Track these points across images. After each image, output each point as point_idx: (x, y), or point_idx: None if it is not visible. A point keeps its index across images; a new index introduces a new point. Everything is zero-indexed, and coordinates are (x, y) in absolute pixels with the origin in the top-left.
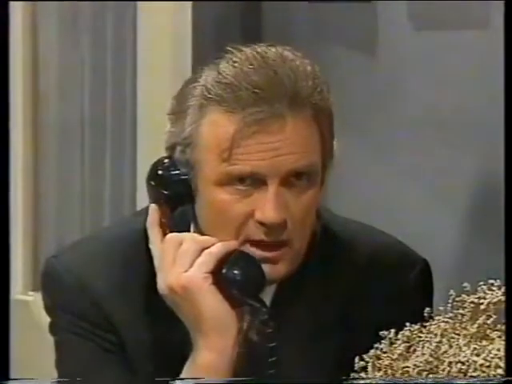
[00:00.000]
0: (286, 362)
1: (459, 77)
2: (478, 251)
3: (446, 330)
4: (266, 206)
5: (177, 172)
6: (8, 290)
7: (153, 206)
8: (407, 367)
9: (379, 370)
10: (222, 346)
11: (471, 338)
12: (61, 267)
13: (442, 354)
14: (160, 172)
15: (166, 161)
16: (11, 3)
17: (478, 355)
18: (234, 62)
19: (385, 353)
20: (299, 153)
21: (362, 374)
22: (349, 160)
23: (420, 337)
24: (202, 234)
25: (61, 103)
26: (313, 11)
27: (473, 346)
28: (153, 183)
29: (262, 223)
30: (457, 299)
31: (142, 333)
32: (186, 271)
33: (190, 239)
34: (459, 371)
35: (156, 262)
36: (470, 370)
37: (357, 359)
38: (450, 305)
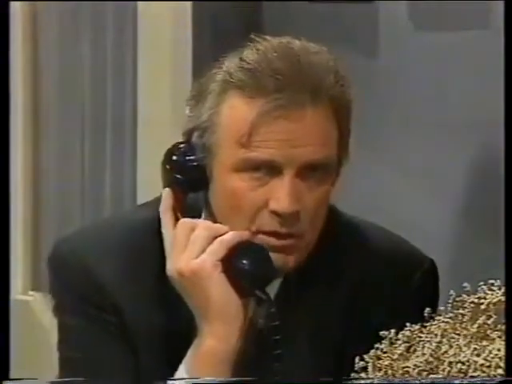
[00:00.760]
0: (287, 356)
1: (459, 77)
2: (479, 251)
3: (446, 330)
4: (281, 195)
5: (192, 157)
6: (8, 290)
7: (167, 191)
8: (407, 367)
9: (379, 370)
10: (226, 333)
11: (471, 338)
12: (67, 249)
13: (443, 354)
14: (175, 157)
15: (181, 146)
16: (11, 3)
17: (478, 355)
18: (258, 49)
19: (385, 353)
20: (317, 145)
21: (363, 375)
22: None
23: (420, 337)
24: (214, 220)
25: (61, 103)
26: (313, 11)
27: (473, 346)
28: (168, 167)
29: (275, 213)
30: (457, 299)
31: (146, 318)
32: (197, 257)
33: (202, 226)
34: (459, 371)
35: (167, 247)
36: (471, 370)
37: (357, 359)
38: (450, 305)
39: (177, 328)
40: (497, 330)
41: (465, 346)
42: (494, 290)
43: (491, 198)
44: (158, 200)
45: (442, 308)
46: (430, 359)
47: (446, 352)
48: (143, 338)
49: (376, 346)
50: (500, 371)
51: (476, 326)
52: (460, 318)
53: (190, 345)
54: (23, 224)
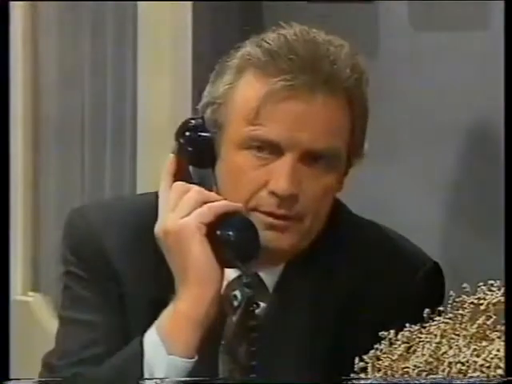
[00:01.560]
0: (284, 348)
1: (459, 77)
2: (478, 252)
3: (445, 330)
4: (281, 176)
5: (204, 133)
6: (8, 291)
7: (172, 156)
8: (407, 368)
9: (379, 370)
10: (200, 296)
11: (471, 338)
12: (78, 215)
13: (442, 354)
14: (188, 133)
15: (194, 121)
16: (11, 3)
17: (477, 356)
18: (280, 32)
19: (384, 353)
20: (324, 133)
21: (362, 375)
22: None
23: (420, 337)
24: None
25: (61, 102)
26: (312, 11)
27: (473, 347)
28: (181, 141)
29: (274, 193)
30: (456, 300)
31: (144, 291)
32: (183, 218)
33: (195, 190)
34: (459, 372)
35: (160, 209)
36: (470, 371)
37: (356, 360)
38: (449, 305)
39: (170, 300)
40: (496, 331)
41: (464, 346)
42: (493, 291)
43: (492, 199)
44: None
45: (441, 308)
46: (430, 360)
47: (445, 352)
48: (137, 310)
49: (375, 346)
50: (500, 371)
51: (475, 326)
52: (459, 319)
53: None
54: (23, 225)
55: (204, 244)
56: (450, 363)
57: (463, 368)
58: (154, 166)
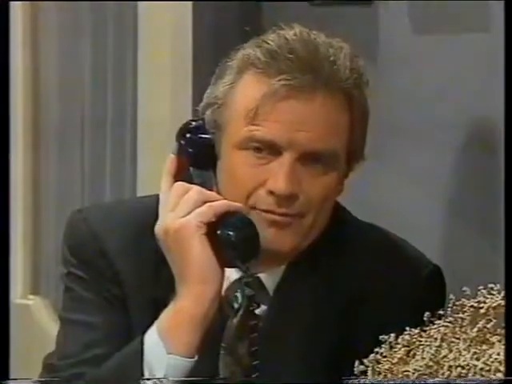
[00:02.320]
0: (284, 350)
1: (459, 80)
2: (479, 255)
3: (445, 334)
4: (279, 176)
5: (204, 135)
6: (8, 294)
7: (172, 157)
8: (407, 371)
9: (379, 374)
10: (200, 295)
11: (471, 342)
12: (78, 216)
13: (442, 358)
14: (188, 134)
15: (195, 122)
16: (12, 5)
17: (477, 359)
18: (280, 32)
19: (384, 357)
20: (322, 134)
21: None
22: None
23: (420, 341)
24: None
25: (61, 104)
26: (312, 13)
27: (473, 350)
28: (182, 142)
29: (272, 193)
30: (457, 303)
31: (145, 292)
32: (183, 217)
33: (195, 189)
34: (459, 375)
35: (160, 208)
36: (470, 375)
37: (356, 363)
38: (449, 309)
39: (171, 300)
40: (496, 334)
41: (464, 350)
42: (493, 294)
43: (492, 203)
44: None
45: (441, 312)
46: (430, 363)
47: (445, 356)
48: (138, 311)
49: (375, 350)
50: (500, 375)
51: (476, 330)
52: (460, 322)
53: None
54: (23, 228)
55: (204, 243)
56: (450, 367)
57: (463, 372)
58: (155, 167)
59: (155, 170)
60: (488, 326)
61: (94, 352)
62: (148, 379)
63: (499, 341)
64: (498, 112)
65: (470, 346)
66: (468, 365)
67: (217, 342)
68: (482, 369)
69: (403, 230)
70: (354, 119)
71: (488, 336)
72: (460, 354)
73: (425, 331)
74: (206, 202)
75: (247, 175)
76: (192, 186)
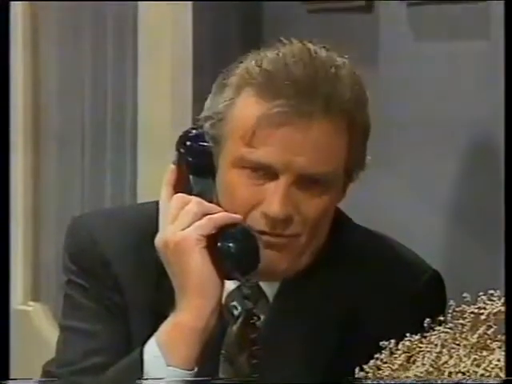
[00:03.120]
0: (283, 358)
1: (459, 87)
2: (479, 261)
3: (446, 340)
4: (273, 199)
5: (204, 143)
6: (8, 300)
7: (172, 167)
8: (408, 378)
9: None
10: (200, 308)
11: (471, 348)
12: (79, 223)
13: (443, 364)
14: (188, 142)
15: (194, 132)
16: (12, 6)
17: (478, 366)
18: (280, 51)
19: (385, 363)
20: (319, 159)
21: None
22: None
23: (420, 347)
24: None
25: (61, 107)
26: (313, 21)
27: (473, 357)
28: (181, 150)
29: (266, 215)
30: (457, 309)
31: (145, 300)
32: (183, 230)
33: (195, 201)
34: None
35: (160, 219)
36: (470, 381)
37: (357, 370)
38: (450, 315)
39: (172, 311)
40: (497, 341)
41: (465, 356)
42: (493, 300)
43: (492, 208)
44: None
45: (441, 318)
46: (430, 369)
47: (446, 362)
48: (139, 319)
49: (376, 356)
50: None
51: (476, 336)
52: (460, 328)
53: None
54: (23, 234)
55: (204, 256)
56: (450, 373)
57: (463, 378)
58: (155, 170)
59: (155, 174)
60: (488, 332)
61: (94, 360)
62: (146, 379)
63: (499, 347)
64: (497, 118)
65: (470, 352)
66: (468, 371)
67: (216, 351)
68: (482, 375)
69: (402, 236)
70: (354, 137)
71: (488, 342)
72: (460, 361)
73: (425, 337)
74: (205, 215)
75: (242, 195)
76: (191, 197)
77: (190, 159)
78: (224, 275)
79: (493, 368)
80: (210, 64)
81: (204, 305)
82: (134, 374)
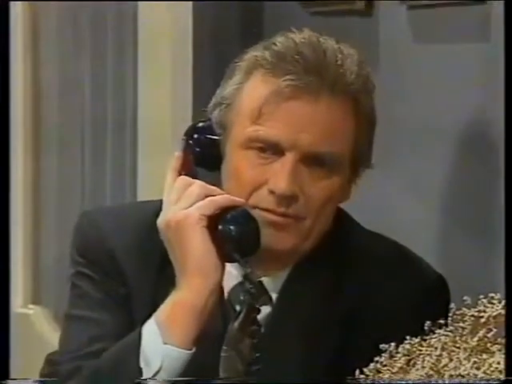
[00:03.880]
0: (284, 353)
1: (459, 89)
2: (478, 264)
3: (446, 343)
4: (280, 176)
5: (211, 135)
6: (8, 303)
7: (177, 154)
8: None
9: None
10: (200, 286)
11: (471, 351)
12: (87, 219)
13: (443, 367)
14: (196, 135)
15: (202, 124)
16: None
17: (478, 369)
18: (289, 35)
19: (385, 366)
20: (325, 138)
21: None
22: None
23: (420, 350)
24: None
25: (62, 105)
26: (313, 24)
27: (473, 360)
28: (190, 142)
29: (273, 192)
30: (457, 312)
31: (150, 293)
32: (184, 209)
33: (198, 184)
34: None
35: (164, 201)
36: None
37: (357, 372)
38: (450, 318)
39: None
40: (497, 344)
41: (465, 359)
42: (493, 304)
43: (492, 211)
44: None
45: (442, 321)
46: (430, 372)
47: (446, 365)
48: (143, 311)
49: (376, 359)
50: None
51: (476, 339)
52: (460, 332)
53: None
54: (23, 237)
55: (204, 235)
56: (450, 376)
57: (463, 381)
58: (155, 170)
59: (156, 173)
60: (488, 335)
61: (97, 347)
62: (147, 379)
63: (499, 350)
64: (497, 121)
65: (470, 355)
66: (468, 374)
67: (217, 340)
68: (482, 378)
69: (402, 239)
70: (360, 124)
71: (488, 345)
72: (460, 364)
73: (425, 340)
74: (208, 196)
75: (250, 174)
76: (195, 180)
77: (198, 150)
78: (225, 257)
79: (493, 371)
80: (210, 64)
81: (203, 284)
82: (132, 351)
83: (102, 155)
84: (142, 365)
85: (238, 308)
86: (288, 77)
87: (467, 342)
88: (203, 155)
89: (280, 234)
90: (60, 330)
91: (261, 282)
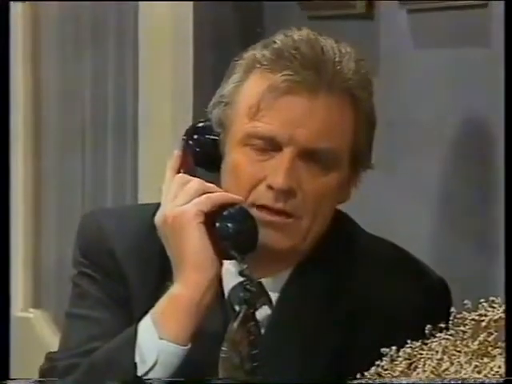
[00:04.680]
0: (284, 354)
1: (459, 94)
2: (479, 268)
3: (447, 347)
4: (278, 171)
5: (211, 135)
6: (8, 307)
7: (177, 153)
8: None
9: None
10: (196, 281)
11: (472, 355)
12: (90, 219)
13: (444, 371)
14: (196, 136)
15: (202, 124)
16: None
17: (479, 372)
18: (288, 33)
19: (386, 370)
20: (322, 133)
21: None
22: None
23: (421, 354)
24: None
25: (62, 106)
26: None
27: (474, 364)
28: (190, 142)
29: (271, 187)
30: (458, 316)
31: (150, 294)
32: (182, 206)
33: (196, 181)
34: None
35: (162, 198)
36: None
37: (358, 376)
38: (451, 322)
39: None
40: (498, 347)
41: (466, 363)
42: (494, 307)
43: (493, 216)
44: None
45: (442, 325)
46: (431, 376)
47: (446, 369)
48: (143, 309)
49: (377, 362)
50: None
51: (477, 343)
52: (461, 335)
53: None
54: (24, 241)
55: (201, 231)
56: (451, 380)
57: (464, 381)
58: (156, 171)
59: (156, 175)
60: (489, 339)
61: (95, 345)
62: (148, 379)
63: (500, 354)
64: (497, 125)
65: (471, 359)
66: (469, 378)
67: (214, 339)
68: (483, 382)
69: (402, 242)
70: (358, 120)
71: (489, 349)
72: (461, 367)
73: (426, 344)
74: (205, 193)
75: (248, 171)
76: (193, 178)
77: (197, 150)
78: (222, 255)
79: (494, 375)
80: (211, 64)
81: (200, 279)
82: (128, 346)
83: (103, 156)
84: (137, 360)
85: (237, 308)
86: (285, 72)
87: (468, 346)
88: (203, 155)
89: (278, 233)
90: (60, 333)
91: (260, 283)
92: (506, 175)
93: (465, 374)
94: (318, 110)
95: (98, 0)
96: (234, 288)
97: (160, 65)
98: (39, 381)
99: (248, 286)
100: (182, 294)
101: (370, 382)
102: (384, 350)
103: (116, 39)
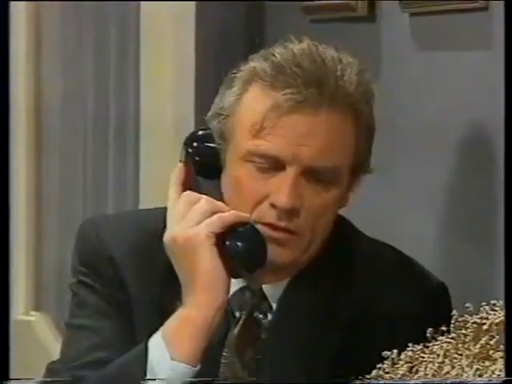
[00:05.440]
0: (284, 361)
1: (460, 97)
2: (480, 271)
3: (448, 350)
4: (282, 190)
5: (211, 144)
6: (9, 310)
7: (180, 165)
8: None
9: None
10: (207, 303)
11: (474, 358)
12: (89, 226)
13: (445, 374)
14: (195, 143)
15: (202, 132)
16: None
17: (480, 376)
18: (288, 46)
19: (387, 373)
20: (326, 151)
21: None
22: None
23: (422, 357)
24: None
25: (63, 107)
26: (314, 31)
27: (475, 367)
28: (189, 150)
29: (274, 206)
30: (459, 319)
31: (150, 301)
32: (193, 227)
33: (205, 200)
34: None
35: (168, 217)
36: None
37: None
38: (452, 325)
39: (176, 309)
40: (499, 351)
41: (467, 366)
42: (496, 311)
43: (493, 217)
44: None
45: (444, 328)
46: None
47: (448, 372)
48: (142, 318)
49: (378, 366)
50: None
51: (478, 346)
52: (462, 339)
53: None
54: (25, 244)
55: (213, 253)
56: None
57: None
58: (157, 175)
59: (158, 178)
60: (491, 342)
61: (97, 355)
62: (150, 379)
63: (502, 357)
64: (498, 127)
65: (472, 362)
66: (471, 381)
67: (219, 351)
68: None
69: (403, 246)
70: (360, 133)
71: (491, 352)
72: (463, 371)
73: (427, 347)
74: (215, 213)
75: (251, 188)
76: (201, 196)
77: (197, 159)
78: (231, 273)
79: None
80: (213, 65)
81: (211, 301)
82: (139, 366)
83: (104, 158)
84: (148, 377)
85: (237, 314)
86: (288, 90)
87: (469, 349)
88: (203, 164)
89: (281, 248)
90: (61, 336)
91: (261, 290)
92: (506, 176)
93: (466, 377)
94: (320, 128)
95: (100, 0)
96: (233, 295)
97: (162, 66)
98: (40, 381)
99: (250, 297)
100: (194, 316)
101: (371, 382)
102: (385, 353)
103: (118, 40)
